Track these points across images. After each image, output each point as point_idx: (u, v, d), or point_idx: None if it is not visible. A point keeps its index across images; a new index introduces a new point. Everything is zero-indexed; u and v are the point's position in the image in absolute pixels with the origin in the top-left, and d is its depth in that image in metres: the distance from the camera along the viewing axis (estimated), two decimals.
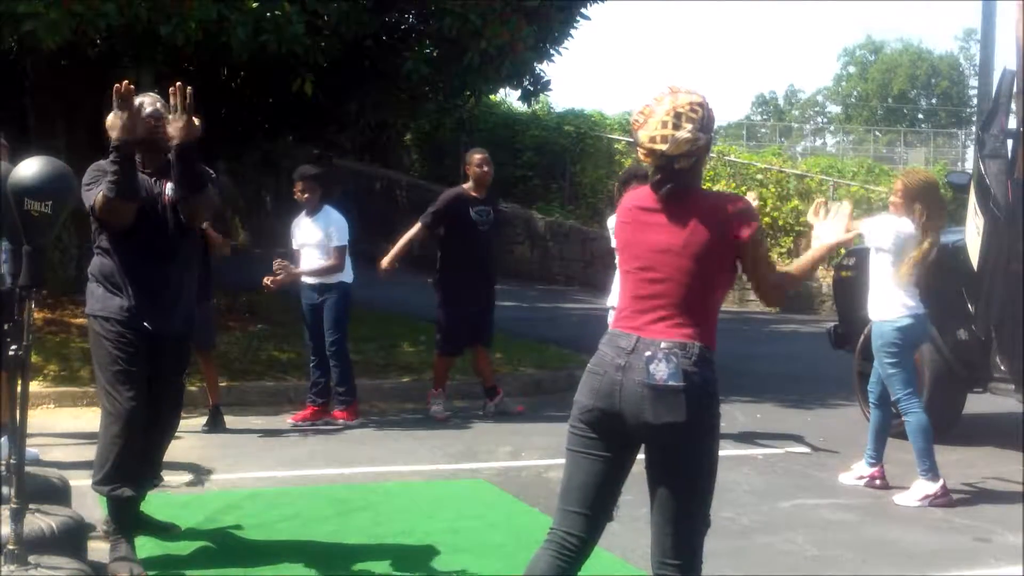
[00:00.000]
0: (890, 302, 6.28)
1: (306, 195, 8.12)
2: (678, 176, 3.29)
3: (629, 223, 3.38)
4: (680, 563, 3.33)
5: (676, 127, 3.24)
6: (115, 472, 4.73)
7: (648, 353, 3.23)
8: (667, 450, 3.28)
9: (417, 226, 8.43)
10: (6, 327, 4.18)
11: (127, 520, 4.84)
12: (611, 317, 7.31)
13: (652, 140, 3.26)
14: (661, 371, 3.22)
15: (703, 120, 3.28)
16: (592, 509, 3.34)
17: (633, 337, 3.27)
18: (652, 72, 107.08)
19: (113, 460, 4.71)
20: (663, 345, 3.24)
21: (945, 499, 6.23)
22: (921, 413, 6.26)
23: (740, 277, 3.49)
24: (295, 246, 8.24)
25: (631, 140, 3.63)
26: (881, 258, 6.33)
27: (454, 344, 8.52)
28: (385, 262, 8.28)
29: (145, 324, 4.76)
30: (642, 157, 3.33)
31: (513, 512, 5.94)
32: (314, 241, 8.12)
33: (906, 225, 6.27)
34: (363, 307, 11.02)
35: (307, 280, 8.18)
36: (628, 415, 3.24)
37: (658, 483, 3.32)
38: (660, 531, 3.34)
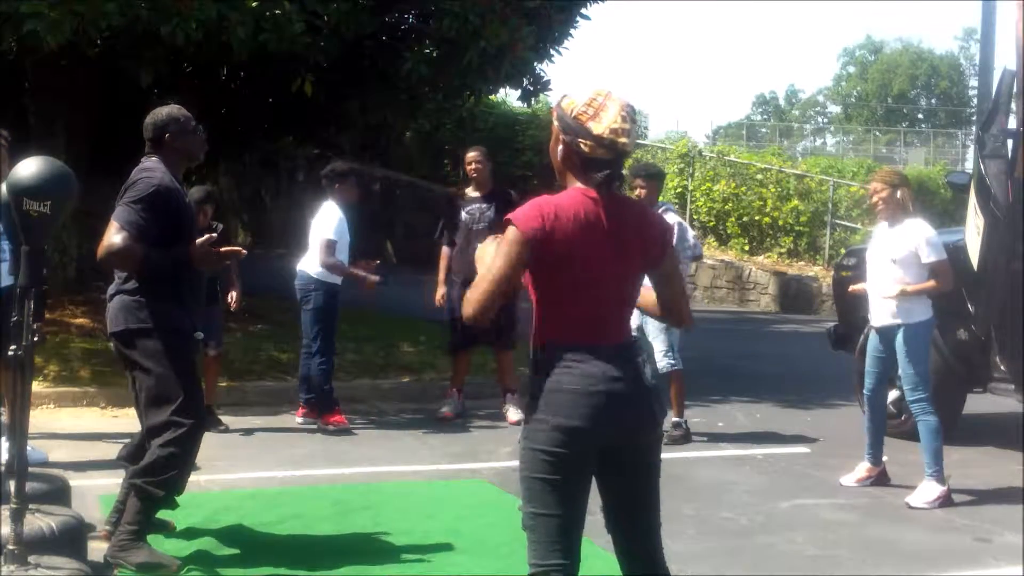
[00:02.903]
0: (921, 303, 6.27)
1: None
2: (621, 175, 3.22)
3: (581, 228, 3.11)
4: (665, 570, 3.29)
5: (632, 123, 3.17)
6: (180, 479, 4.87)
7: (640, 358, 3.18)
8: (652, 450, 3.24)
9: (442, 250, 8.59)
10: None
11: (153, 521, 4.98)
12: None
13: (614, 133, 3.12)
14: (648, 372, 3.20)
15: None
16: (580, 533, 3.20)
17: (606, 347, 3.13)
18: (652, 72, 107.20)
19: (183, 469, 4.86)
20: (636, 347, 3.22)
21: (946, 499, 6.23)
22: (936, 415, 6.28)
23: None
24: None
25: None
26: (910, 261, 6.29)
27: (452, 343, 8.62)
28: (437, 298, 8.53)
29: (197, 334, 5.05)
30: (587, 150, 3.14)
31: (513, 512, 5.90)
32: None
33: (923, 225, 6.29)
34: (363, 307, 11.03)
35: (337, 280, 8.12)
36: (627, 426, 3.13)
37: (638, 490, 3.24)
38: (639, 541, 3.26)
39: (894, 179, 6.42)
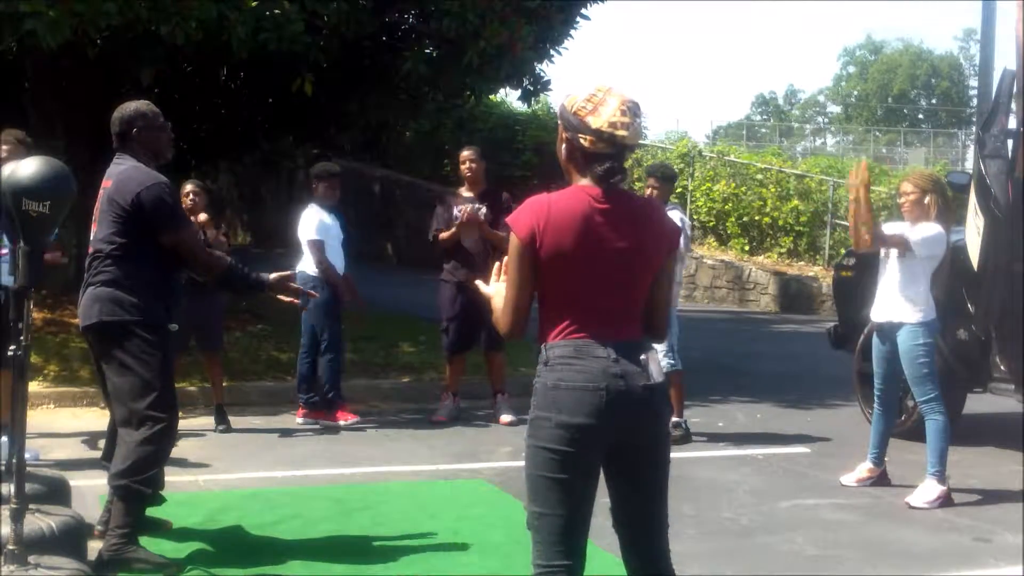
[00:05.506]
0: (927, 303, 6.27)
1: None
2: (623, 169, 3.22)
3: (577, 225, 3.12)
4: (670, 570, 3.29)
5: (634, 117, 3.16)
6: (159, 476, 4.87)
7: (642, 356, 3.15)
8: (659, 448, 3.23)
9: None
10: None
11: (143, 519, 4.94)
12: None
13: (613, 126, 3.12)
14: (654, 370, 3.17)
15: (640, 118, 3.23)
16: (585, 534, 3.19)
17: (608, 344, 3.13)
18: (652, 72, 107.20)
19: (161, 466, 4.86)
20: (641, 345, 3.20)
21: (946, 499, 6.23)
22: (945, 415, 6.28)
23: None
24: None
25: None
26: (924, 263, 6.28)
27: (448, 346, 8.60)
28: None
29: (171, 326, 4.98)
30: (588, 144, 3.15)
31: (513, 512, 5.92)
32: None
33: (941, 228, 6.29)
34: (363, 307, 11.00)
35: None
36: (629, 423, 3.11)
37: (644, 490, 3.23)
38: (645, 540, 3.25)
39: (926, 185, 6.38)
